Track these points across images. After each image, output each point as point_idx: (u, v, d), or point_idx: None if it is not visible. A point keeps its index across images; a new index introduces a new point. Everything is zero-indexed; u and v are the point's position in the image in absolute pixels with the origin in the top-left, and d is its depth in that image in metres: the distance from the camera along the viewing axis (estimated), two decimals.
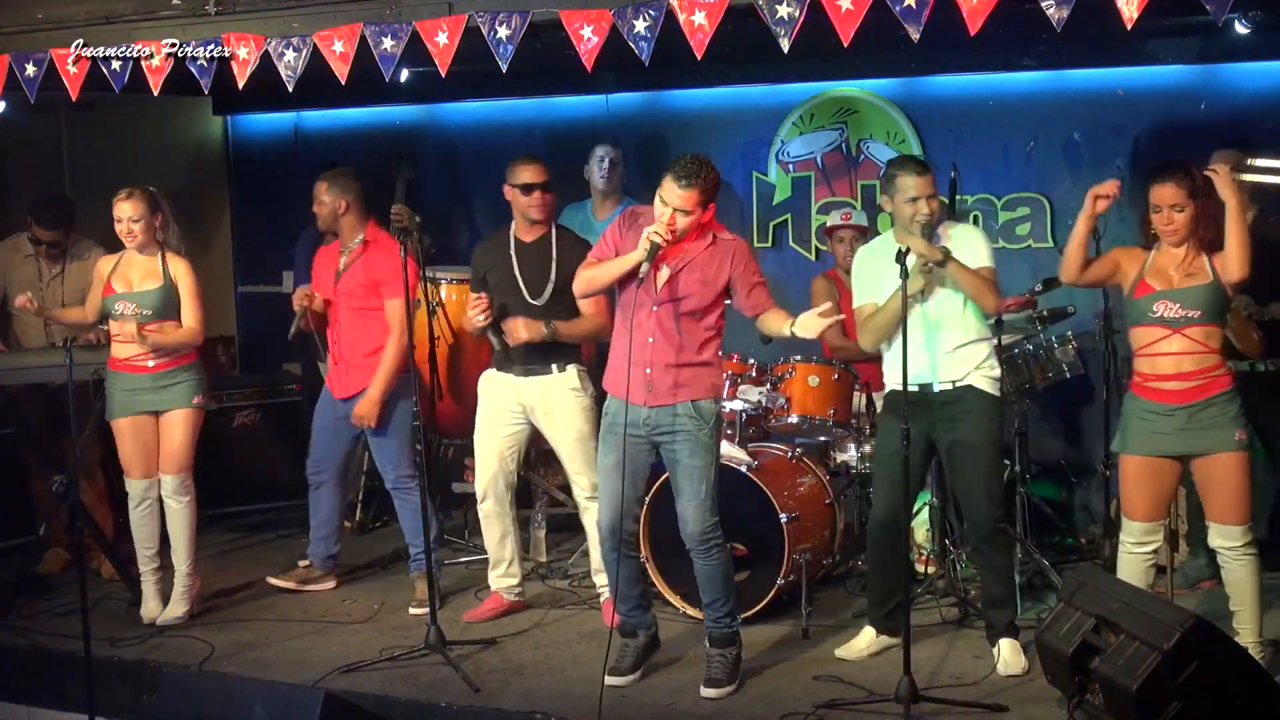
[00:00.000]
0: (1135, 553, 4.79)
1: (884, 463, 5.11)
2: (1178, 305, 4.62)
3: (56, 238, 6.42)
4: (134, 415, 5.70)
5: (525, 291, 5.54)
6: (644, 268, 4.72)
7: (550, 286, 5.52)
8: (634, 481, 4.94)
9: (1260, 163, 5.40)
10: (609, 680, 4.88)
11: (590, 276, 4.96)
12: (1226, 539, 4.69)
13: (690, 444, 4.84)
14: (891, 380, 5.05)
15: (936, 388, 4.97)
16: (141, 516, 5.78)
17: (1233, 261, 4.55)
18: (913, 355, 4.76)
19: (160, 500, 5.78)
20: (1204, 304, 4.61)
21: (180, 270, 5.71)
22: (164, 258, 5.71)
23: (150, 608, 5.80)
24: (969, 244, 5.01)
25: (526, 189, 5.57)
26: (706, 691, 4.86)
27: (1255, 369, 5.47)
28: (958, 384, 4.97)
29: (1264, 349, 5.47)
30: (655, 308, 4.83)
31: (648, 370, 4.83)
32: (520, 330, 5.45)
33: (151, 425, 5.74)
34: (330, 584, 6.26)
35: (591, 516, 5.60)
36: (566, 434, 5.57)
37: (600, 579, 5.69)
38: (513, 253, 5.60)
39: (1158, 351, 4.66)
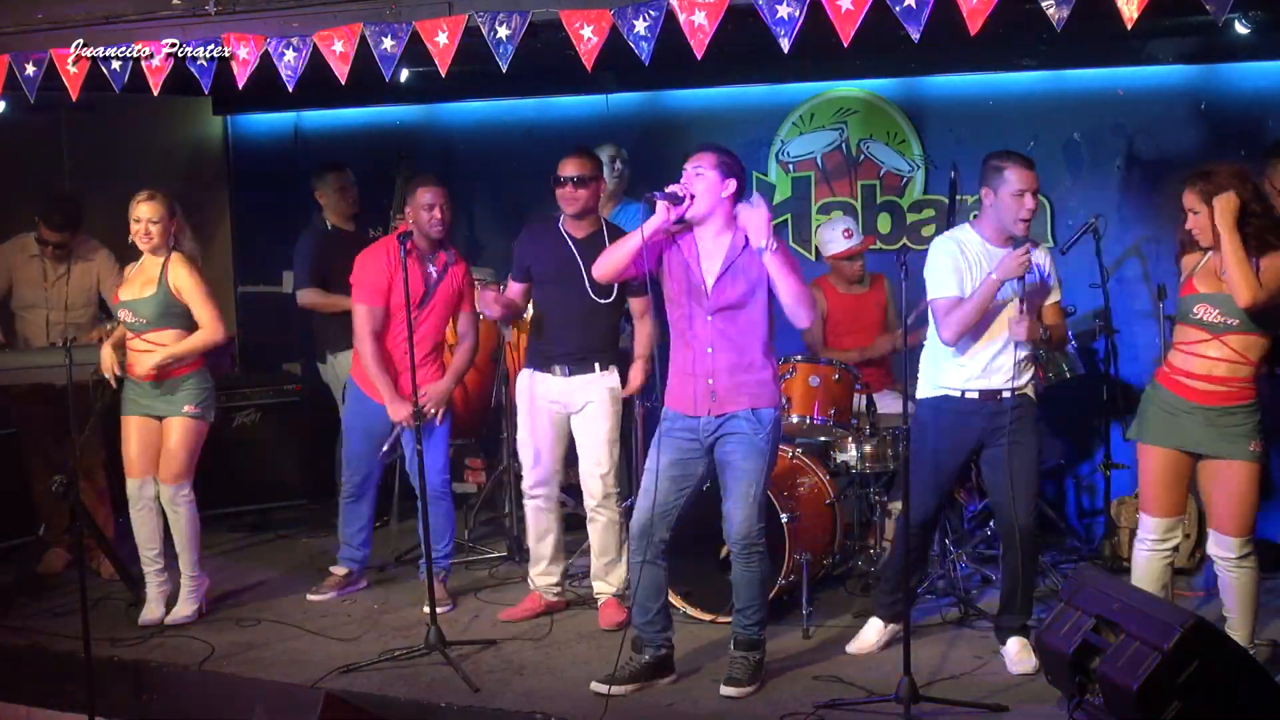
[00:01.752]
0: (1156, 550, 4.77)
1: (924, 461, 5.05)
2: (1217, 310, 4.61)
3: (64, 239, 6.42)
4: (140, 416, 5.71)
5: (589, 287, 5.49)
6: (659, 207, 4.71)
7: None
8: (680, 488, 4.91)
9: None
10: (594, 686, 4.89)
11: (610, 253, 4.93)
12: (1223, 549, 4.69)
13: (745, 446, 4.82)
14: (945, 381, 5.01)
15: (1006, 394, 4.96)
16: (139, 516, 5.77)
17: (1232, 288, 4.53)
18: (993, 360, 4.89)
19: (157, 501, 5.76)
20: (1240, 312, 4.57)
21: (179, 275, 5.66)
22: (165, 264, 5.69)
23: (151, 610, 5.78)
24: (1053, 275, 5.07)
25: (558, 182, 5.58)
26: (726, 690, 4.86)
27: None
28: (1017, 392, 4.97)
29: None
30: (710, 317, 4.83)
31: (710, 380, 4.83)
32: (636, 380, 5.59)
33: (156, 428, 5.74)
34: (363, 584, 6.27)
35: (598, 527, 5.62)
36: (598, 433, 5.55)
37: (599, 585, 5.69)
38: (572, 247, 5.57)
39: (1195, 352, 4.67)
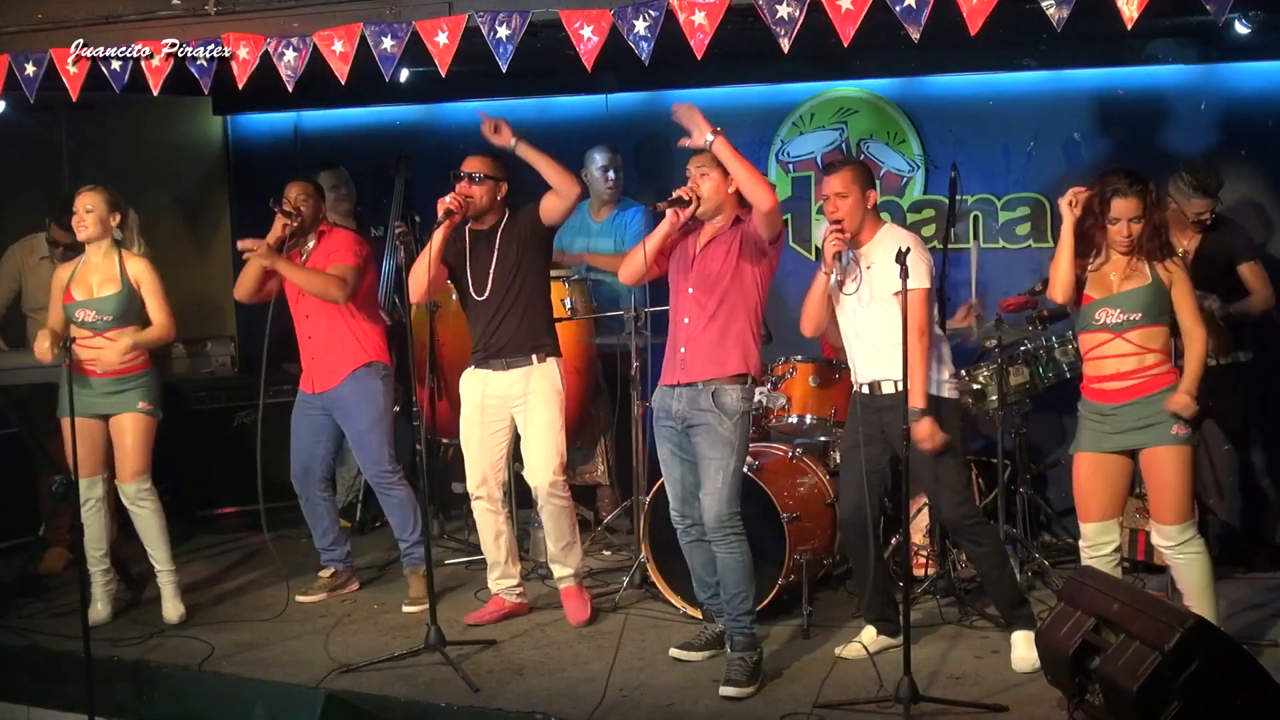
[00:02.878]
0: (1094, 557, 4.78)
1: (847, 456, 5.18)
2: (1119, 310, 4.67)
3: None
4: (82, 416, 5.61)
5: (472, 288, 5.56)
6: (667, 214, 4.93)
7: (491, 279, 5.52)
8: (691, 467, 5.04)
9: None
10: (673, 652, 5.14)
11: (630, 255, 5.14)
12: (1162, 538, 4.71)
13: (710, 436, 4.92)
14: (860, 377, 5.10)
15: (891, 388, 4.97)
16: (87, 516, 5.75)
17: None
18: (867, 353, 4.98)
19: (106, 500, 5.78)
20: (1144, 306, 4.65)
21: (139, 269, 5.72)
22: (121, 261, 5.72)
23: (98, 610, 5.77)
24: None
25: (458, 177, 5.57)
26: (725, 690, 4.87)
27: (1215, 363, 5.55)
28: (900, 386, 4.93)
29: (1227, 346, 5.63)
30: (691, 290, 5.00)
31: (682, 350, 5.00)
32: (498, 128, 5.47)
33: (100, 428, 5.74)
34: (355, 585, 6.28)
35: (548, 511, 5.59)
36: (537, 421, 5.53)
37: (558, 569, 5.71)
38: (466, 245, 5.61)
39: (1101, 355, 4.72)
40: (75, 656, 5.12)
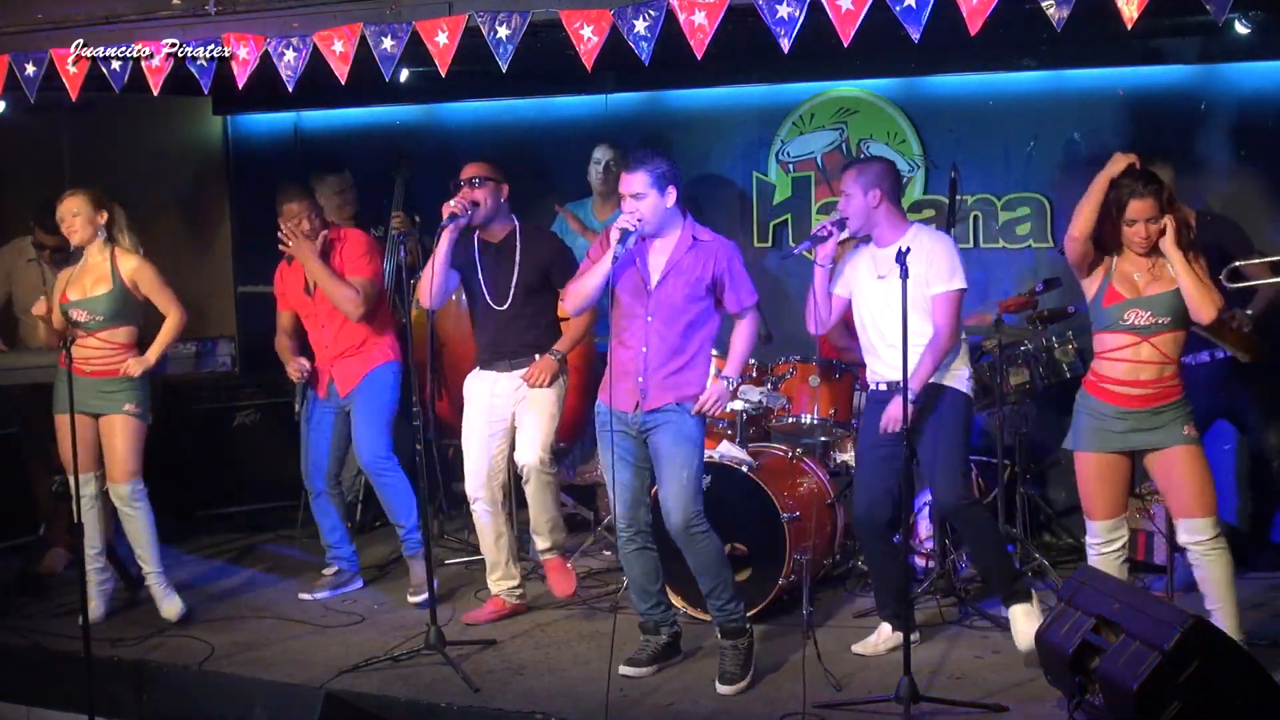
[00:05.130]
0: (1104, 553, 4.80)
1: (861, 455, 5.22)
2: (1148, 313, 4.65)
3: (61, 243, 6.41)
4: (78, 413, 5.64)
5: (491, 298, 5.60)
6: (618, 250, 4.79)
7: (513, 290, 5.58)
8: (640, 473, 5.01)
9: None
10: (624, 670, 4.99)
11: (577, 289, 5.03)
12: (1194, 533, 4.69)
13: (672, 433, 4.90)
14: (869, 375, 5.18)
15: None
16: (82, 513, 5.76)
17: (1194, 308, 4.59)
18: (888, 352, 4.93)
19: (98, 499, 5.78)
20: (1173, 310, 4.64)
21: (132, 266, 5.71)
22: (114, 259, 5.71)
23: (94, 608, 5.73)
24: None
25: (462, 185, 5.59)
26: (722, 688, 4.88)
27: (1216, 356, 5.60)
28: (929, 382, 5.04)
29: (1261, 349, 5.50)
30: (649, 317, 4.91)
31: (640, 379, 4.91)
32: (544, 376, 5.55)
33: (93, 425, 5.74)
34: (359, 584, 6.29)
35: (532, 487, 5.61)
36: (534, 408, 5.58)
37: (539, 542, 5.73)
38: (476, 255, 5.64)
39: (1121, 357, 4.70)
40: (75, 656, 5.11)
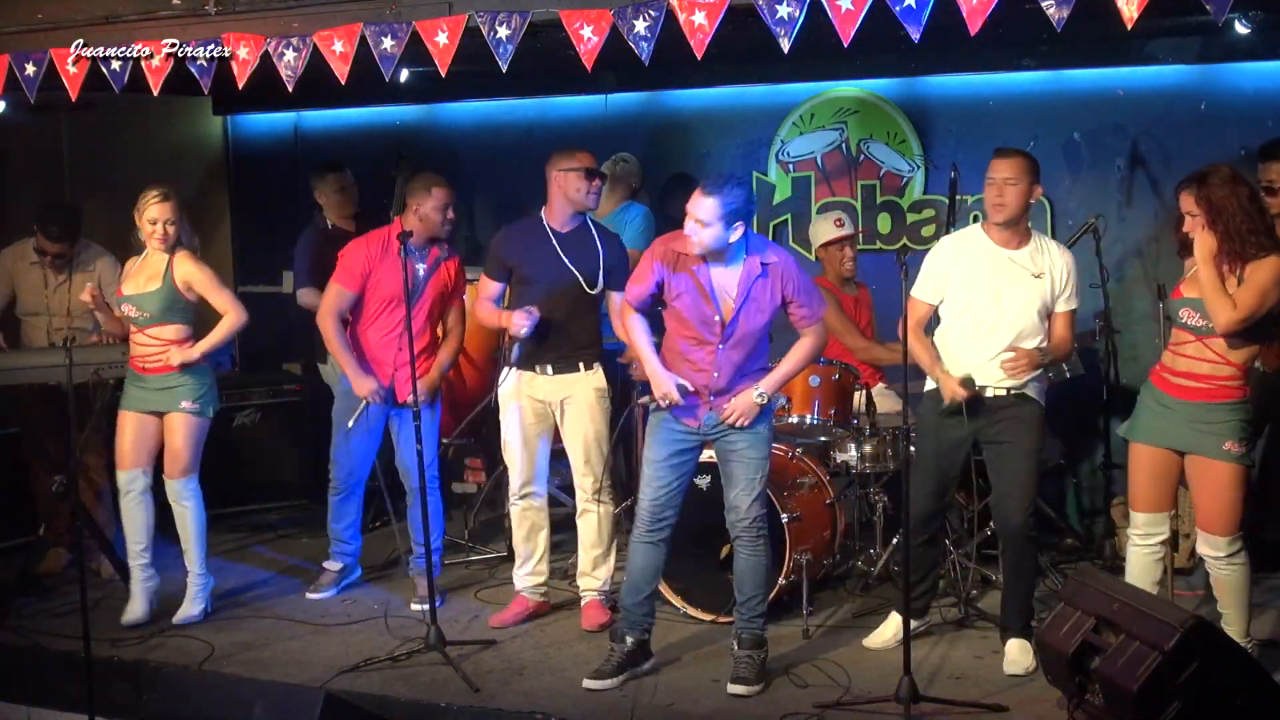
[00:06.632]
0: (1139, 545, 4.82)
1: (921, 457, 5.14)
2: (1199, 315, 4.67)
3: (63, 249, 6.40)
4: (138, 411, 5.72)
5: (585, 282, 5.53)
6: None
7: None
8: (680, 474, 4.99)
9: None
10: (588, 683, 4.93)
11: (630, 341, 5.13)
12: (1211, 548, 4.72)
13: (750, 436, 4.91)
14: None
15: (998, 394, 4.99)
16: (128, 509, 5.76)
17: (1211, 315, 4.59)
18: (987, 360, 4.94)
19: (146, 494, 5.77)
20: None
21: (186, 268, 5.66)
22: (171, 259, 5.69)
23: (135, 607, 5.77)
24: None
25: (589, 174, 5.55)
26: (734, 688, 4.87)
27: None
28: (1013, 392, 4.99)
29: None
30: (722, 345, 4.89)
31: (712, 398, 4.91)
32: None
33: (152, 423, 5.74)
34: (359, 572, 6.29)
35: (590, 521, 5.60)
36: (585, 432, 5.55)
37: (585, 582, 5.68)
38: (556, 244, 5.54)
39: (1180, 353, 4.74)
40: (75, 656, 5.11)
